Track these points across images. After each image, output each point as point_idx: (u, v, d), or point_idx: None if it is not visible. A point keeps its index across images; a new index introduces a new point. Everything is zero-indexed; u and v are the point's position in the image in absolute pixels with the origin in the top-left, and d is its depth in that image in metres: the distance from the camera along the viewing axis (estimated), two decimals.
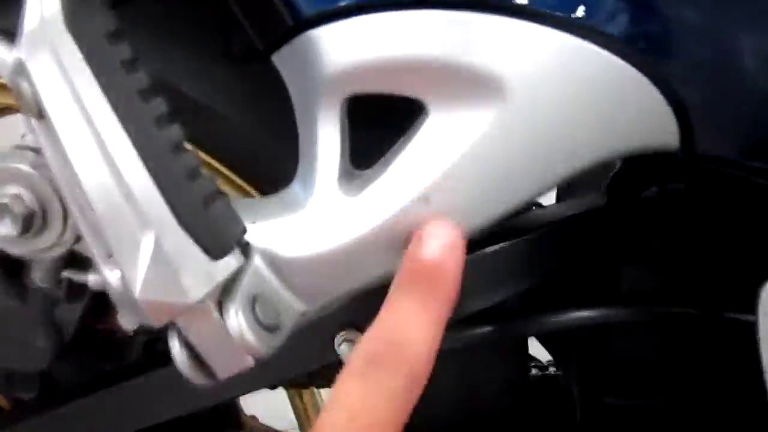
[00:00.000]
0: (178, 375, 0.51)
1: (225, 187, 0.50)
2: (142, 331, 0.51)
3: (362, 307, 0.37)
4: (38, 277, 0.50)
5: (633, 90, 0.31)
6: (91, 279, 0.40)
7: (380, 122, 0.33)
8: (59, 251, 0.34)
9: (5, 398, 0.65)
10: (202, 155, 0.49)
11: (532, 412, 0.62)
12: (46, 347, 0.54)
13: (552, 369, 0.73)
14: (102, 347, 0.59)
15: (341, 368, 0.50)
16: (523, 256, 0.48)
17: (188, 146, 0.29)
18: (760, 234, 0.42)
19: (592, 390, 0.60)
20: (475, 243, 0.42)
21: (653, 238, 0.50)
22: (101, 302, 0.54)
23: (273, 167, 0.48)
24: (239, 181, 0.50)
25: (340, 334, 0.47)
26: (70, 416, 0.59)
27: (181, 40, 0.50)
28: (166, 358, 0.54)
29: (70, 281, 0.49)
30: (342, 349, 0.47)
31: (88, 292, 0.52)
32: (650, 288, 0.51)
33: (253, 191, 0.50)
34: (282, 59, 0.33)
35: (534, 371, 0.72)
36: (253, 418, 0.79)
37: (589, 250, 0.50)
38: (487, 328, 0.49)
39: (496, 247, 0.46)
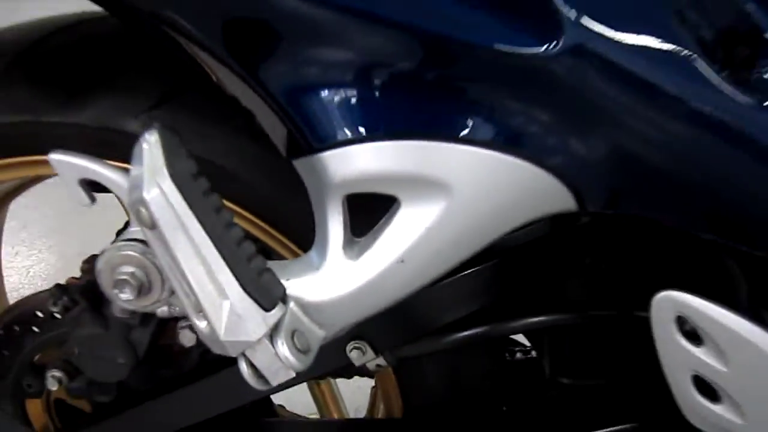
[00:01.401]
0: (227, 379, 0.68)
1: (261, 237, 0.66)
2: (197, 345, 0.67)
3: (366, 323, 0.53)
4: (117, 309, 0.66)
5: (544, 184, 0.47)
6: (159, 310, 0.55)
7: (368, 206, 0.49)
8: (159, 305, 0.50)
9: (87, 402, 0.82)
10: (248, 215, 0.65)
11: (513, 388, 0.78)
12: (126, 362, 0.70)
13: (534, 353, 0.89)
14: (163, 359, 0.76)
15: (352, 367, 0.67)
16: (489, 278, 0.63)
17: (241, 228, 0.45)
18: (650, 255, 0.57)
19: (554, 372, 0.76)
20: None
21: (585, 256, 0.66)
22: (164, 326, 0.70)
23: (296, 222, 0.64)
24: (275, 233, 0.66)
25: (351, 343, 0.63)
26: (142, 416, 0.76)
27: (220, 123, 0.66)
28: (217, 365, 0.70)
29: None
30: (352, 354, 0.63)
31: (155, 319, 0.68)
32: (585, 296, 0.67)
33: (284, 239, 0.66)
34: (300, 165, 0.49)
35: (519, 354, 0.88)
36: (281, 407, 0.96)
37: (539, 269, 0.66)
38: (466, 332, 0.65)
39: (468, 271, 0.62)
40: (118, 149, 0.62)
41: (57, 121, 0.67)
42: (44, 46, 0.70)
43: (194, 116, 0.66)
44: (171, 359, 0.75)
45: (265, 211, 0.64)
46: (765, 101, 0.46)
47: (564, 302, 0.68)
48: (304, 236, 0.58)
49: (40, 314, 0.78)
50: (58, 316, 0.74)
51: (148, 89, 0.67)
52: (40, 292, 0.80)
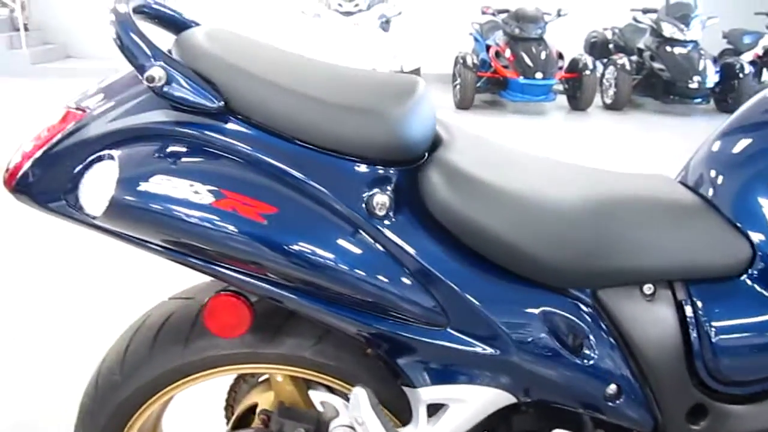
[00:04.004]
0: None
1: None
2: None
3: None
4: None
5: (505, 396, 1.22)
6: None
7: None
8: None
9: None
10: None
11: None
12: None
13: None
14: None
15: None
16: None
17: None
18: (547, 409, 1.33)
19: None
20: None
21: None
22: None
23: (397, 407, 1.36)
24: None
25: None
26: None
27: (355, 349, 1.38)
28: None
29: None
30: None
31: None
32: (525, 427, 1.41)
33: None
34: (405, 389, 1.22)
35: None
36: None
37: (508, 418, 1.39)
38: None
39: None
40: (304, 366, 1.35)
41: (265, 351, 1.38)
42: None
43: (339, 348, 1.37)
44: None
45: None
46: None
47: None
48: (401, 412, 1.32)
49: None
50: None
51: (310, 333, 1.39)
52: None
